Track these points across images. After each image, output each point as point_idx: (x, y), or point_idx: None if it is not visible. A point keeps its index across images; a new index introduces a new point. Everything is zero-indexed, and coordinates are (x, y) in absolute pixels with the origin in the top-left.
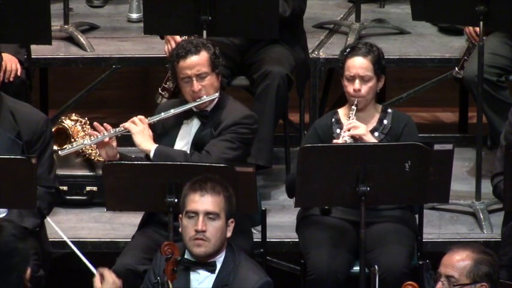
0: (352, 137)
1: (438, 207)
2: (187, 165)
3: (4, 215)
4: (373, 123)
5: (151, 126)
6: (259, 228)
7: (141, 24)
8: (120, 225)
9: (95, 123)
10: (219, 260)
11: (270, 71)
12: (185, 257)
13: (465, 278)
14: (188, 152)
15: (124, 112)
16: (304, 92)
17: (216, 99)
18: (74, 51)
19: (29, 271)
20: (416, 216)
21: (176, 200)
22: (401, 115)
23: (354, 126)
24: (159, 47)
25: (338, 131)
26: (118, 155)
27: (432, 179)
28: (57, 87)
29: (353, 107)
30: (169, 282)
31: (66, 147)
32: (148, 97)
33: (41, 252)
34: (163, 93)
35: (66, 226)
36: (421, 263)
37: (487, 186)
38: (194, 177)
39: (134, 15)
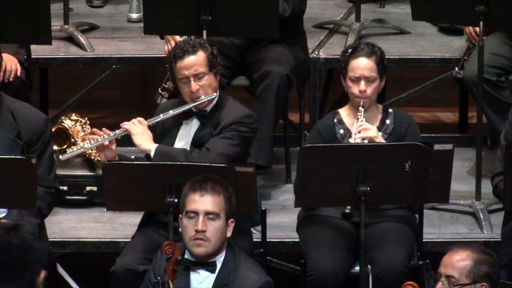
0: (363, 138)
1: (438, 207)
2: (187, 165)
3: (4, 215)
4: (376, 123)
5: (151, 127)
6: (259, 228)
7: (141, 24)
8: (120, 225)
9: (94, 129)
10: (219, 260)
11: (270, 71)
12: (185, 257)
13: (465, 278)
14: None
15: (124, 112)
16: (304, 92)
17: (216, 99)
18: (74, 51)
19: (43, 274)
20: (417, 216)
21: (176, 200)
22: (403, 115)
23: (365, 128)
24: (159, 47)
25: (341, 131)
26: (117, 157)
27: (432, 179)
28: (57, 87)
29: (360, 108)
30: (170, 282)
31: (66, 152)
32: (148, 97)
33: None
34: (163, 93)
35: (66, 226)
36: (421, 263)
37: (487, 186)
38: (194, 177)
39: (134, 15)
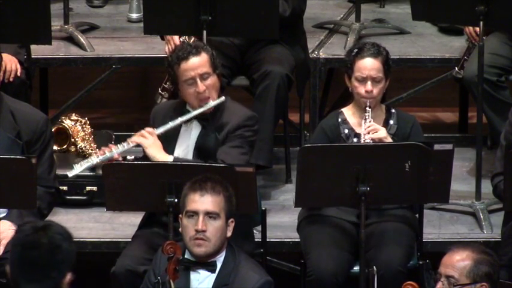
0: (372, 139)
1: (438, 207)
2: (187, 165)
3: (4, 215)
4: (380, 123)
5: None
6: (259, 228)
7: (141, 24)
8: (120, 225)
9: (103, 148)
10: (219, 259)
11: (270, 71)
12: (185, 256)
13: (465, 278)
14: (191, 156)
15: (124, 112)
16: (304, 92)
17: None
18: (74, 51)
19: (69, 276)
20: (416, 216)
21: (176, 200)
22: (405, 115)
23: (374, 129)
24: (159, 47)
25: (346, 131)
26: None
27: (432, 179)
28: (57, 87)
29: (367, 108)
30: (171, 281)
31: (74, 168)
32: (148, 97)
33: None
34: (163, 93)
35: (66, 226)
36: (421, 263)
37: (487, 186)
38: (194, 177)
39: (134, 15)
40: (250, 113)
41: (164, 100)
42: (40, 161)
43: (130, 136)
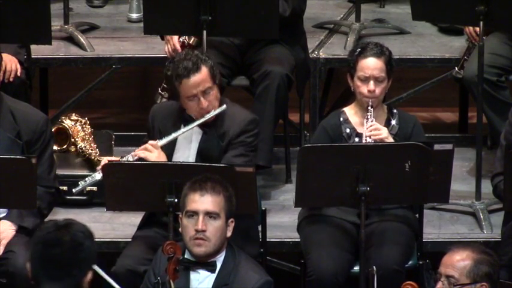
0: (374, 139)
1: (438, 207)
2: (187, 165)
3: (4, 215)
4: (382, 123)
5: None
6: (259, 228)
7: (141, 24)
8: (120, 225)
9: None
10: (219, 259)
11: (270, 71)
12: (185, 256)
13: (465, 278)
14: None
15: (124, 112)
16: (304, 92)
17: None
18: (74, 51)
19: (90, 275)
20: (416, 216)
21: (176, 200)
22: (407, 115)
23: (376, 128)
24: (159, 47)
25: (347, 130)
26: None
27: (432, 179)
28: (57, 87)
29: (369, 108)
30: (171, 281)
31: (79, 184)
32: (149, 97)
33: None
34: (163, 93)
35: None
36: (421, 263)
37: (487, 186)
38: (194, 177)
39: (134, 15)
40: (251, 117)
41: (164, 100)
42: (40, 161)
43: (130, 136)
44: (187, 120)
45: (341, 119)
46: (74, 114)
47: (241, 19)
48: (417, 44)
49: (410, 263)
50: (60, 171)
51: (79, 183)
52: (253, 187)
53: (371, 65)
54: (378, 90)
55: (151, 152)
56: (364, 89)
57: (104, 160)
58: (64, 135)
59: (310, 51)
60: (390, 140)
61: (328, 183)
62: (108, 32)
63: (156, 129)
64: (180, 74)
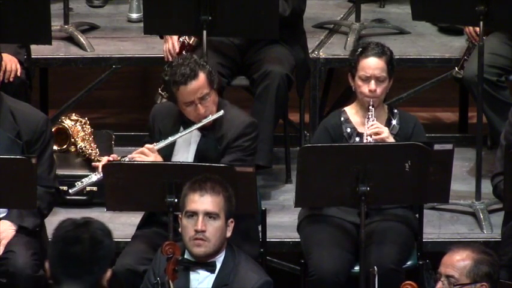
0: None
1: (438, 207)
2: (187, 165)
3: (4, 215)
4: (383, 123)
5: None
6: (259, 228)
7: (141, 24)
8: (120, 225)
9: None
10: (219, 259)
11: (270, 70)
12: (185, 257)
13: (465, 278)
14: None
15: (124, 112)
16: (304, 92)
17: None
18: (74, 51)
19: (109, 273)
20: (416, 216)
21: (176, 200)
22: (408, 115)
23: (378, 128)
24: (159, 47)
25: (348, 130)
26: None
27: (432, 179)
28: (57, 87)
29: (370, 107)
30: (170, 282)
31: (76, 185)
32: (149, 97)
33: (41, 252)
34: (163, 93)
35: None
36: (421, 263)
37: (487, 186)
38: (194, 177)
39: (134, 15)
40: (249, 120)
41: (164, 100)
42: (40, 161)
43: (130, 136)
44: (187, 122)
45: (342, 118)
46: (74, 114)
47: (241, 19)
48: (417, 44)
49: (410, 263)
50: (60, 171)
51: (75, 184)
52: (253, 187)
53: (372, 64)
54: (379, 90)
55: (148, 155)
56: (365, 88)
57: (104, 160)
58: (64, 135)
59: (310, 51)
60: (391, 139)
61: (328, 183)
62: (108, 32)
63: (156, 130)
64: (178, 80)
